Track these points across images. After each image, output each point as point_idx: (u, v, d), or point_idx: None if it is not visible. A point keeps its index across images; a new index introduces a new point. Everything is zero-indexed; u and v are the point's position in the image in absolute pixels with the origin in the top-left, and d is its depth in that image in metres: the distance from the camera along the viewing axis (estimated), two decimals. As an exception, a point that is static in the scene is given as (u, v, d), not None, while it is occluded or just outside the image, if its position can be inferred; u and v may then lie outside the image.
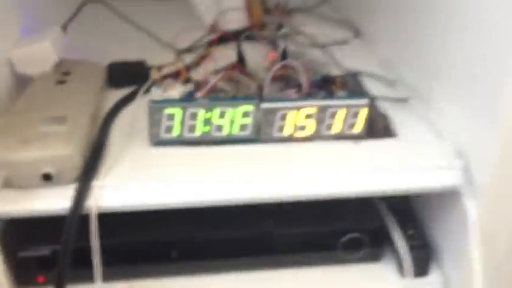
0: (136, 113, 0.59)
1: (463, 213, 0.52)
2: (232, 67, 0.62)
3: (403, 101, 0.62)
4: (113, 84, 0.66)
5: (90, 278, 0.50)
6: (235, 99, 0.57)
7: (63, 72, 0.61)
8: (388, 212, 0.61)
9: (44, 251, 0.53)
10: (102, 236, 0.49)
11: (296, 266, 0.58)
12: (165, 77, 0.65)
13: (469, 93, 0.52)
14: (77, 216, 0.47)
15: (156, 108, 0.53)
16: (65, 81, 0.59)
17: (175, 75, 0.65)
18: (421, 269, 0.58)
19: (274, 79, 0.60)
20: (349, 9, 0.91)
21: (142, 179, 0.50)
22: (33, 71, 0.60)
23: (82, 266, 0.50)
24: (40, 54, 0.59)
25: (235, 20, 0.82)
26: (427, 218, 0.61)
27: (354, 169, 0.52)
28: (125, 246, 0.55)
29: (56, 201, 0.48)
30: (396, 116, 0.59)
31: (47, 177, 0.47)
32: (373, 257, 0.59)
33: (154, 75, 0.65)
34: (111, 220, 0.48)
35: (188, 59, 0.71)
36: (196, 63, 0.70)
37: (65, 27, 0.67)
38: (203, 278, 0.57)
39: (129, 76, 0.66)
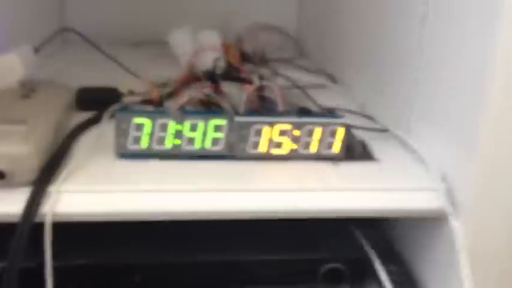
0: (102, 132, 0.55)
1: (450, 239, 0.49)
2: (207, 87, 0.60)
3: (383, 131, 0.60)
4: (83, 108, 0.63)
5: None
6: (207, 112, 0.54)
7: (29, 88, 0.58)
8: (368, 245, 0.57)
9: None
10: (56, 257, 0.44)
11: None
12: (137, 102, 0.62)
13: (447, 125, 0.51)
14: (30, 223, 0.43)
15: (124, 117, 0.50)
16: (30, 96, 0.56)
17: (147, 102, 0.63)
18: (406, 305, 0.53)
19: (250, 102, 0.58)
20: (325, 60, 0.93)
21: (104, 186, 0.46)
22: (-2, 85, 0.57)
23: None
24: (6, 66, 0.57)
25: (212, 62, 0.82)
26: (408, 252, 0.58)
27: (334, 186, 0.49)
28: (81, 269, 0.50)
29: (6, 204, 0.43)
30: (376, 144, 0.58)
31: (0, 176, 0.42)
32: (356, 290, 0.54)
33: (126, 99, 0.62)
34: (66, 238, 0.44)
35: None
36: (170, 95, 0.68)
37: (37, 49, 0.65)
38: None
39: (99, 101, 0.63)
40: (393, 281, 0.53)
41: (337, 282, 0.53)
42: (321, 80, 0.84)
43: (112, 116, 0.57)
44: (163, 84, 0.74)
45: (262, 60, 0.92)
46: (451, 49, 0.50)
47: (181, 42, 0.83)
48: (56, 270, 0.44)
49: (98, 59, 0.78)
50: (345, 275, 0.53)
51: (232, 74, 0.77)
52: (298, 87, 0.77)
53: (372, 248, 0.56)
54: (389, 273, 0.54)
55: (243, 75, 0.77)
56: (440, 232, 0.51)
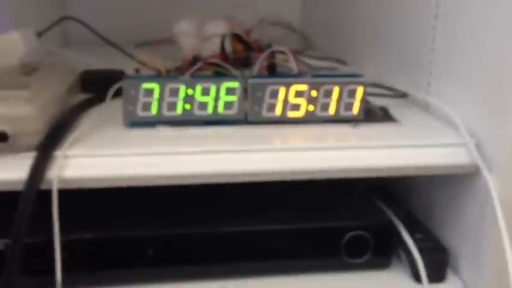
0: (108, 109, 0.53)
1: (481, 197, 0.46)
2: (215, 56, 0.57)
3: (402, 96, 0.58)
4: (87, 90, 0.61)
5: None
6: (219, 76, 0.52)
7: (31, 68, 0.56)
8: (391, 213, 0.54)
9: (-6, 245, 0.45)
10: (64, 231, 0.41)
11: (291, 273, 0.50)
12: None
13: (472, 83, 0.48)
14: (35, 189, 0.40)
15: (132, 83, 0.48)
16: (32, 74, 0.54)
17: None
18: (438, 273, 0.49)
19: (261, 71, 0.56)
20: (333, 49, 0.91)
21: (113, 150, 0.43)
22: (-1, 65, 0.55)
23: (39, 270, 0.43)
24: (7, 45, 0.54)
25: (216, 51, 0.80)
26: (432, 219, 0.55)
27: (356, 144, 0.46)
28: (90, 243, 0.47)
29: (9, 170, 0.41)
30: (396, 110, 0.55)
31: (2, 138, 0.40)
32: (381, 261, 0.51)
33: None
34: (73, 211, 0.41)
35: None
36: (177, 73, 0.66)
37: (39, 34, 0.63)
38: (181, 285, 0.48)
39: (104, 82, 0.61)
40: (420, 248, 0.50)
41: (361, 252, 0.50)
42: (332, 64, 0.82)
43: (117, 95, 0.56)
44: (168, 71, 0.73)
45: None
46: (472, 2, 0.48)
47: (186, 31, 0.81)
48: (64, 245, 0.41)
49: (100, 48, 0.76)
50: (369, 243, 0.50)
51: (239, 61, 0.75)
52: (311, 69, 0.75)
53: (395, 216, 0.53)
54: (416, 240, 0.50)
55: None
56: (471, 190, 0.48)
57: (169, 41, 0.82)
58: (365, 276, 0.50)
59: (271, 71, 0.58)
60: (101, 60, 0.70)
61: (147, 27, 1.04)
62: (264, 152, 0.45)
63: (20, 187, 0.40)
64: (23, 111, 0.41)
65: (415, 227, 0.53)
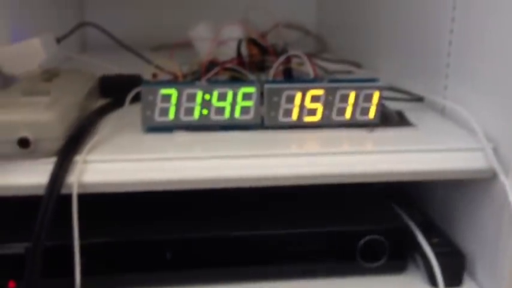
0: (127, 114, 0.53)
1: (498, 202, 0.46)
2: (232, 61, 0.58)
3: (418, 100, 0.57)
4: (106, 95, 0.62)
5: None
6: (235, 81, 0.52)
7: (51, 74, 0.57)
8: (407, 217, 0.54)
9: (17, 248, 0.46)
10: (83, 235, 0.42)
11: (307, 276, 0.50)
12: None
13: (490, 87, 0.48)
14: (56, 194, 0.41)
15: (150, 89, 0.48)
16: (52, 80, 0.55)
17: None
18: (454, 278, 0.49)
19: (277, 75, 0.56)
20: (347, 52, 0.91)
21: (132, 155, 0.44)
22: (20, 71, 0.56)
23: (59, 272, 0.44)
24: (28, 51, 0.56)
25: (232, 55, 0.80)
26: (449, 224, 0.54)
27: (372, 149, 0.46)
28: (109, 246, 0.48)
29: (31, 175, 0.42)
30: (412, 114, 0.55)
31: (24, 144, 0.41)
32: (397, 266, 0.51)
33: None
34: (93, 216, 0.42)
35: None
36: (194, 78, 0.67)
37: (58, 40, 0.64)
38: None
39: (123, 87, 0.62)
40: (437, 253, 0.49)
41: (377, 256, 0.50)
42: (347, 67, 0.82)
43: (135, 100, 0.56)
44: (184, 76, 0.73)
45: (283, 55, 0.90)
46: (491, 7, 0.48)
47: (202, 35, 0.82)
48: (84, 248, 0.42)
49: (118, 52, 0.77)
50: (384, 247, 0.50)
51: (255, 65, 0.75)
52: (327, 72, 0.75)
53: (412, 220, 0.53)
54: (432, 245, 0.50)
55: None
56: (488, 195, 0.47)
57: (185, 45, 0.82)
58: (381, 280, 0.50)
59: (287, 75, 0.58)
60: (118, 65, 0.71)
61: (163, 31, 1.05)
62: (281, 156, 0.45)
63: (41, 192, 0.41)
64: (44, 117, 0.42)
65: (432, 231, 0.53)
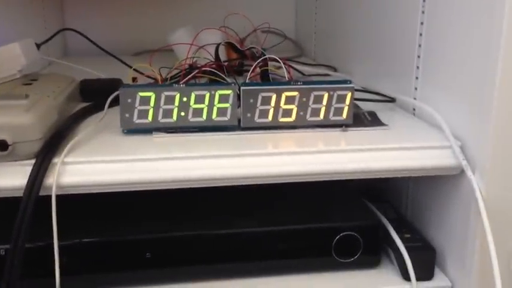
0: (106, 117, 0.54)
1: (466, 198, 0.47)
2: (210, 65, 0.59)
3: (390, 100, 0.59)
4: (87, 100, 0.62)
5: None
6: (212, 84, 0.54)
7: (31, 79, 0.58)
8: (379, 213, 0.56)
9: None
10: (63, 235, 0.43)
11: (283, 272, 0.51)
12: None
13: (457, 87, 0.50)
14: (35, 195, 0.42)
15: (128, 91, 0.49)
16: (31, 84, 0.56)
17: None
18: (426, 272, 0.51)
19: (254, 78, 0.58)
20: (324, 56, 0.93)
21: (111, 157, 0.45)
22: (0, 76, 0.57)
23: (39, 273, 0.45)
24: (7, 56, 0.56)
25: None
26: (419, 220, 0.56)
27: (345, 148, 0.48)
28: (88, 247, 0.48)
29: (9, 177, 0.42)
30: (384, 114, 0.56)
31: (2, 146, 0.41)
32: (371, 261, 0.52)
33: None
34: (71, 216, 0.42)
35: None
36: (174, 82, 0.68)
37: (38, 45, 0.65)
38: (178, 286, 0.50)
39: (103, 91, 0.63)
40: (408, 248, 0.51)
41: (351, 252, 0.51)
42: (323, 70, 0.84)
43: (115, 103, 0.57)
44: (164, 79, 0.74)
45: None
46: (458, 10, 0.50)
47: (182, 40, 0.83)
48: (63, 249, 0.43)
49: (98, 58, 0.78)
50: (358, 243, 0.51)
51: (233, 69, 0.76)
52: (303, 75, 0.77)
53: (384, 217, 0.55)
54: (404, 240, 0.52)
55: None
56: (456, 191, 0.49)
57: (166, 51, 0.84)
58: (355, 274, 0.51)
59: (264, 78, 0.59)
60: (99, 70, 0.72)
61: (144, 37, 1.07)
62: (257, 156, 0.46)
63: (20, 194, 0.42)
64: (22, 120, 0.42)
65: (404, 227, 0.55)
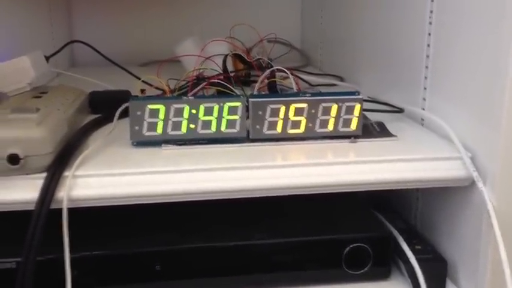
0: (115, 128, 0.54)
1: (477, 209, 0.47)
2: (218, 76, 0.59)
3: (398, 111, 0.59)
4: (96, 111, 0.63)
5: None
6: (221, 96, 0.54)
7: (40, 91, 0.59)
8: (389, 225, 0.55)
9: (8, 263, 0.46)
10: (74, 248, 0.43)
11: (294, 284, 0.51)
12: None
13: (467, 99, 0.50)
14: (46, 209, 0.42)
15: (138, 104, 0.49)
16: (41, 96, 0.56)
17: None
18: (437, 284, 0.51)
19: (262, 89, 0.58)
20: (331, 66, 0.93)
21: (121, 170, 0.45)
22: (10, 88, 0.57)
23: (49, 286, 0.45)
24: (17, 68, 0.57)
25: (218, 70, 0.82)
26: (430, 231, 0.56)
27: (354, 159, 0.48)
28: (98, 260, 0.48)
29: (21, 191, 0.42)
30: (392, 125, 0.56)
31: (14, 160, 0.42)
32: (381, 273, 0.52)
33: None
34: (81, 229, 0.42)
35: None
36: (182, 93, 0.68)
37: (47, 58, 0.65)
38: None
39: (112, 103, 0.63)
40: (420, 259, 0.51)
41: (361, 264, 0.51)
42: (330, 80, 0.84)
43: (124, 115, 0.57)
44: (172, 91, 0.75)
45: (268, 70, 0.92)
46: (466, 21, 0.50)
47: (189, 51, 0.84)
48: (73, 261, 0.43)
49: (105, 69, 0.79)
50: (369, 255, 0.51)
51: (240, 80, 0.77)
52: (310, 85, 0.77)
53: (394, 228, 0.55)
54: (415, 252, 0.52)
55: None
56: (467, 202, 0.49)
57: (172, 61, 0.84)
58: (366, 286, 0.51)
59: (272, 89, 0.59)
60: (106, 81, 0.73)
61: (150, 47, 1.07)
62: (267, 168, 0.46)
63: (31, 207, 0.42)
64: (34, 134, 0.43)
65: (414, 238, 0.55)
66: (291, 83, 0.58)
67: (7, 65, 0.57)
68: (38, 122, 0.44)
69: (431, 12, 0.55)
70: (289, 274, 0.51)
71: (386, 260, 0.52)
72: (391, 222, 0.56)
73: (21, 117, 0.44)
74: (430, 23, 0.56)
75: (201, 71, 0.74)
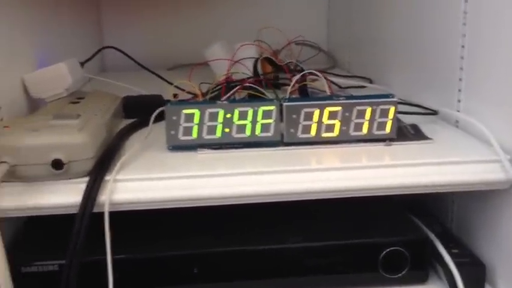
0: (151, 133, 0.55)
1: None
2: (249, 80, 0.60)
3: (433, 113, 0.59)
4: (130, 116, 0.64)
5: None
6: (255, 100, 0.54)
7: (77, 97, 0.60)
8: (426, 228, 0.55)
9: (51, 266, 0.47)
10: (115, 250, 0.44)
11: (329, 289, 0.51)
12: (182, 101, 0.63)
13: (504, 98, 0.49)
14: (88, 212, 0.43)
15: (174, 109, 0.50)
16: (78, 102, 0.58)
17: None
18: (477, 287, 0.50)
19: (293, 92, 0.58)
20: (359, 68, 0.93)
21: (160, 174, 0.46)
22: (48, 94, 0.58)
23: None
24: (55, 75, 0.58)
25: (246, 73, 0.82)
26: (467, 234, 0.55)
27: (390, 163, 0.48)
28: (139, 261, 0.49)
29: (65, 195, 0.43)
30: (427, 127, 0.56)
31: (57, 165, 0.43)
32: (418, 277, 0.52)
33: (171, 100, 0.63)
34: (119, 232, 0.43)
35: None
36: (214, 97, 0.68)
37: (82, 64, 0.67)
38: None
39: (145, 107, 0.64)
40: (457, 263, 0.50)
41: (398, 267, 0.51)
42: (359, 82, 0.84)
43: (157, 119, 0.58)
44: (204, 94, 0.75)
45: (297, 72, 0.92)
46: (502, 21, 0.49)
47: (218, 55, 0.84)
48: (114, 264, 0.44)
49: (135, 73, 0.80)
50: (406, 258, 0.50)
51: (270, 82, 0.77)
52: (340, 87, 0.77)
53: (431, 231, 0.54)
54: (453, 255, 0.51)
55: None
56: (506, 205, 0.48)
57: (200, 65, 0.85)
58: (402, 291, 0.51)
59: (303, 92, 0.60)
60: (136, 85, 0.74)
61: (176, 52, 1.09)
62: (302, 172, 0.47)
63: (74, 210, 0.43)
64: (76, 139, 0.43)
65: (451, 241, 0.54)
66: (322, 85, 0.58)
67: (45, 71, 0.59)
68: (80, 127, 0.45)
69: (465, 13, 0.55)
70: (324, 278, 0.51)
71: (424, 264, 0.51)
72: (427, 225, 0.55)
73: (63, 124, 0.45)
74: (464, 24, 0.55)
75: (231, 74, 0.74)
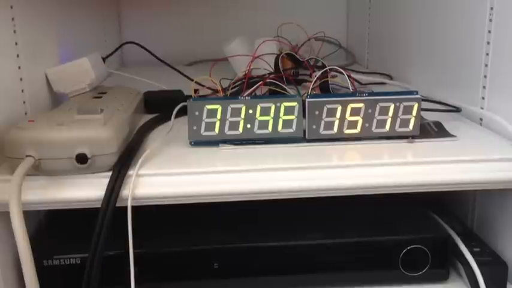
0: (173, 128, 0.56)
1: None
2: (270, 76, 0.60)
3: (456, 110, 0.58)
4: (151, 111, 0.64)
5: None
6: (277, 96, 0.54)
7: (99, 92, 0.60)
8: (447, 226, 0.54)
9: (72, 259, 0.48)
10: (136, 245, 0.44)
11: (350, 285, 0.51)
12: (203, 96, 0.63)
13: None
14: (112, 206, 0.43)
15: (196, 104, 0.50)
16: (101, 97, 0.58)
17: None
18: (497, 287, 0.50)
19: (315, 88, 0.58)
20: (378, 64, 0.92)
21: (181, 168, 0.46)
22: (70, 89, 0.59)
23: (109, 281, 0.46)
24: (78, 70, 0.59)
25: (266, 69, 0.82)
26: (488, 233, 0.55)
27: (413, 160, 0.47)
28: (160, 255, 0.50)
29: (89, 189, 0.44)
30: (450, 124, 0.56)
31: (82, 159, 0.43)
32: (439, 275, 0.51)
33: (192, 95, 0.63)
34: (141, 227, 0.44)
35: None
36: (235, 93, 0.68)
37: (104, 59, 0.67)
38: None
39: (166, 102, 0.64)
40: (479, 261, 0.50)
41: (419, 265, 0.50)
42: (379, 78, 0.84)
43: (178, 114, 0.58)
44: (225, 89, 0.75)
45: (317, 68, 0.92)
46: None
47: (238, 51, 0.84)
48: (137, 258, 0.44)
49: (153, 68, 0.80)
50: (426, 256, 0.50)
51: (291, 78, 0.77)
52: (360, 84, 0.76)
53: (452, 230, 0.54)
54: (474, 254, 0.51)
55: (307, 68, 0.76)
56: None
57: (219, 61, 0.85)
58: (423, 289, 0.51)
59: (324, 88, 0.59)
60: (155, 80, 0.74)
61: (195, 47, 1.09)
62: (324, 169, 0.46)
63: (97, 204, 0.43)
64: (100, 134, 0.44)
65: (472, 240, 0.54)
66: (344, 81, 0.58)
67: (68, 66, 0.59)
68: (104, 122, 0.45)
69: (491, 9, 0.54)
70: (345, 274, 0.51)
71: (445, 263, 0.51)
72: (449, 223, 0.55)
73: (87, 118, 0.46)
74: (491, 20, 0.54)
75: (251, 70, 0.74)
